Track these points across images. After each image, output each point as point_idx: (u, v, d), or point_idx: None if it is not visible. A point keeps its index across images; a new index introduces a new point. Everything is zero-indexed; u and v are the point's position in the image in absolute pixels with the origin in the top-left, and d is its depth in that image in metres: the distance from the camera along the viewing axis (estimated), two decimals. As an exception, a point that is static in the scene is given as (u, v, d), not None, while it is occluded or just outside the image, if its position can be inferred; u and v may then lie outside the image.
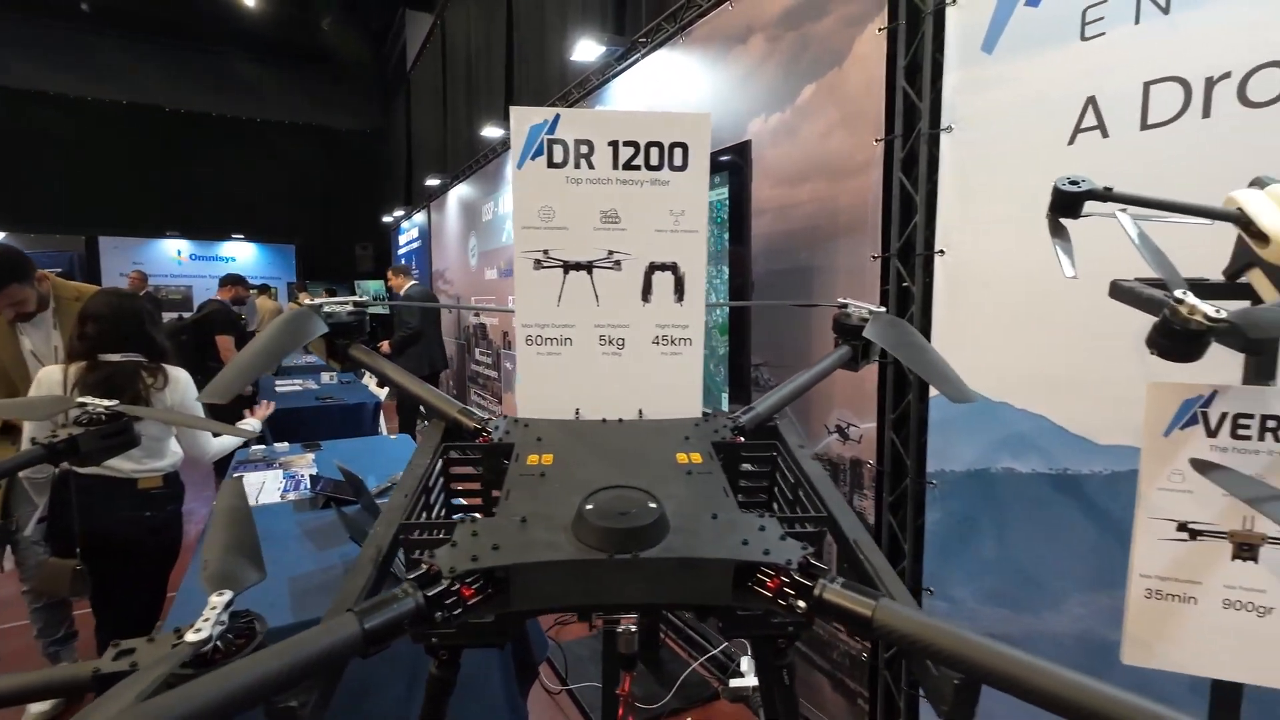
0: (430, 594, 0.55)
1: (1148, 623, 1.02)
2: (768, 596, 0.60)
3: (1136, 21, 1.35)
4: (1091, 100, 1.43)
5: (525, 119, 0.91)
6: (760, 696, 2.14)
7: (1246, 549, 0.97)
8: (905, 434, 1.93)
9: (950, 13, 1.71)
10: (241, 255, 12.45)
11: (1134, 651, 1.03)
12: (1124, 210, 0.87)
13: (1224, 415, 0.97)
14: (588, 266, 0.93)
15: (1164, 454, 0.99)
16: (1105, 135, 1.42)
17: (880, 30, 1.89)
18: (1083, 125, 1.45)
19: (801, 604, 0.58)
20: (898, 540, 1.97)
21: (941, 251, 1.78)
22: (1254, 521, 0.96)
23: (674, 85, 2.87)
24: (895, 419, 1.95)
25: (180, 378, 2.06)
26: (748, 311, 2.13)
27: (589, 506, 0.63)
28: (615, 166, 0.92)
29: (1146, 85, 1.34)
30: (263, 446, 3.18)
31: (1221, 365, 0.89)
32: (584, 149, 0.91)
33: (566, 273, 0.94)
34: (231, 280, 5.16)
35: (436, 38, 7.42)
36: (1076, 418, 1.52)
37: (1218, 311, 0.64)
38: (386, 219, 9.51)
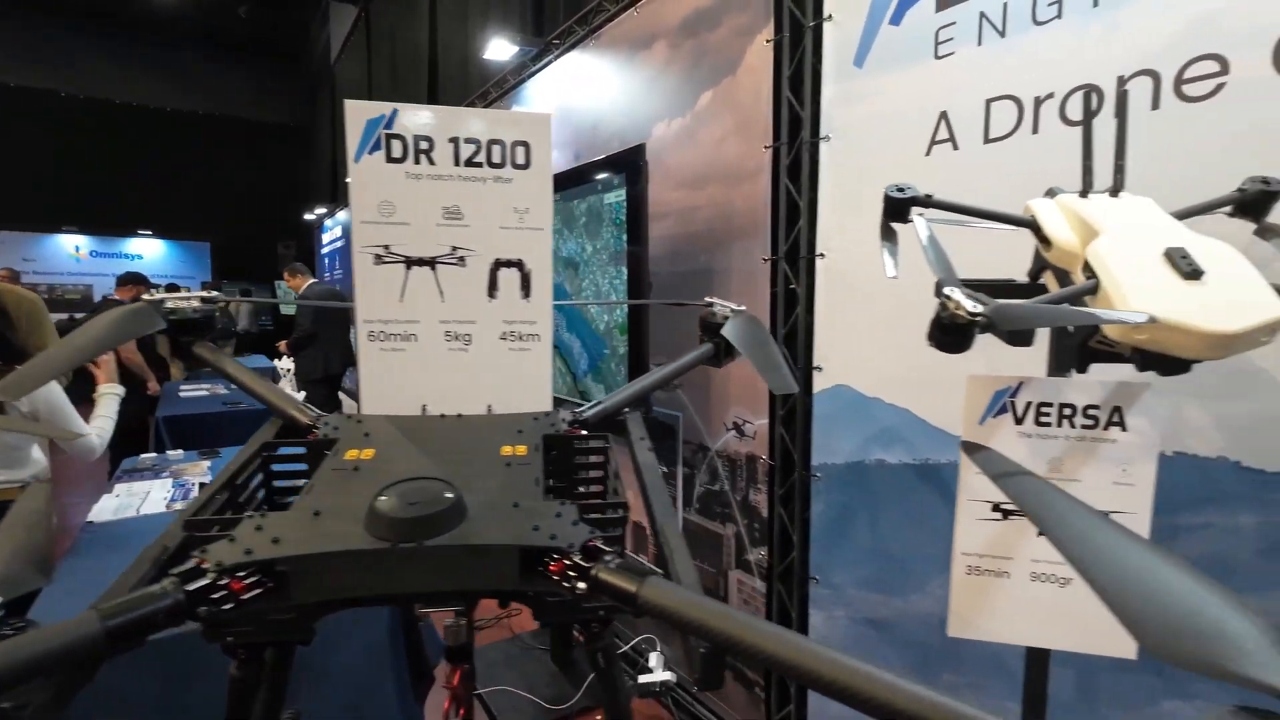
0: (191, 589, 0.54)
1: (968, 598, 1.10)
2: (552, 579, 0.62)
3: (979, 44, 1.46)
4: (944, 115, 1.54)
5: (361, 113, 0.91)
6: (662, 690, 2.17)
7: (1049, 526, 1.06)
8: (794, 429, 2.01)
9: (827, 28, 1.80)
10: (149, 253, 11.69)
11: (957, 625, 1.12)
12: (921, 215, 0.94)
13: (1029, 404, 1.06)
14: (431, 262, 0.94)
15: (980, 440, 1.08)
16: (955, 148, 1.52)
17: (768, 41, 1.97)
18: (937, 138, 1.56)
19: (581, 585, 0.60)
20: (788, 532, 2.05)
21: (822, 255, 1.87)
22: (1055, 501, 1.06)
23: (585, 87, 2.89)
24: (785, 415, 2.03)
25: None
26: (646, 311, 2.17)
27: (382, 498, 0.63)
28: (457, 163, 0.93)
29: (988, 102, 1.45)
30: (153, 455, 3.01)
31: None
32: (424, 145, 0.91)
33: (409, 268, 0.94)
34: (131, 279, 4.84)
35: (361, 30, 7.20)
36: (936, 411, 1.62)
37: (976, 307, 0.71)
38: (309, 216, 9.13)
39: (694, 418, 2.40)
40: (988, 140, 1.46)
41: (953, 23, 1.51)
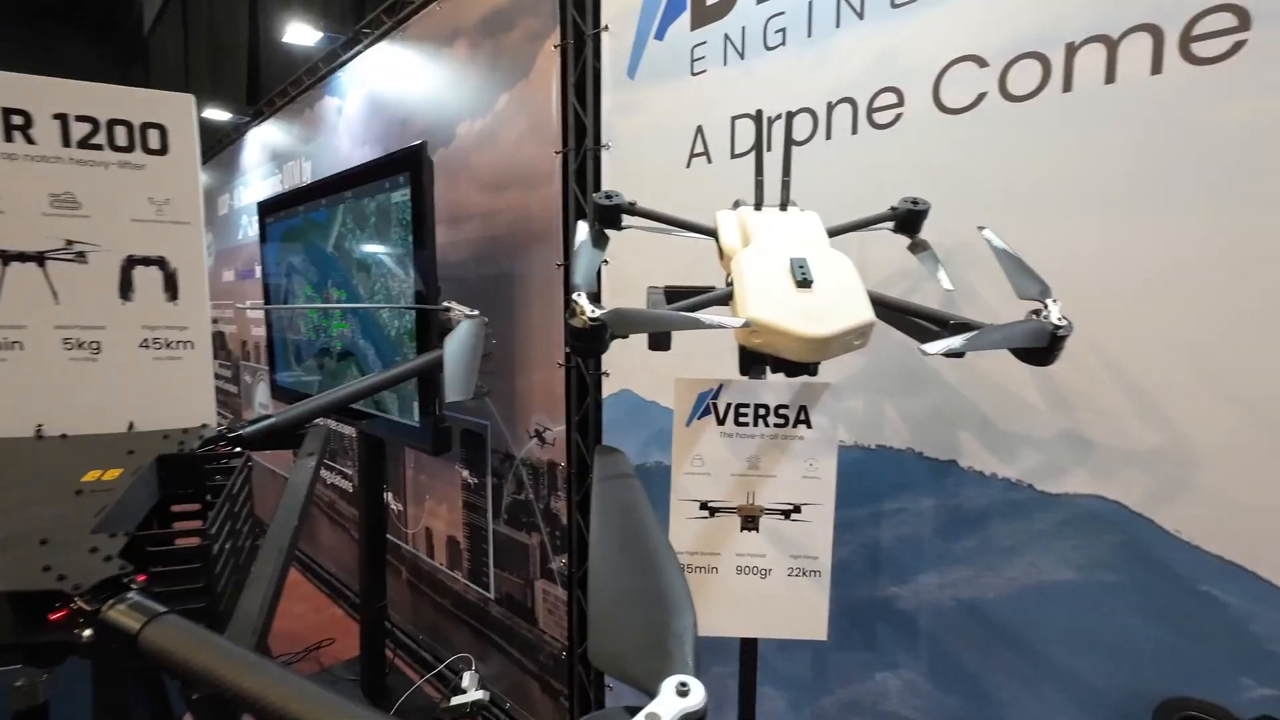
0: None
1: (683, 594, 1.14)
2: (57, 626, 0.54)
3: (725, 63, 1.54)
4: (700, 129, 1.61)
5: (-69, 78, 0.76)
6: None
7: (750, 521, 1.12)
8: (588, 435, 2.01)
9: (605, 37, 1.82)
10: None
11: (674, 622, 1.15)
12: (582, 222, 0.96)
13: (729, 405, 1.11)
14: (37, 258, 0.81)
15: (687, 442, 1.12)
16: (710, 161, 1.60)
17: (555, 47, 1.96)
18: (695, 151, 1.62)
19: (88, 631, 0.52)
20: (585, 538, 2.04)
21: (606, 261, 1.88)
22: (755, 496, 1.12)
23: (397, 80, 2.75)
24: (579, 420, 2.03)
25: None
26: (435, 316, 2.08)
27: None
28: (67, 144, 0.80)
29: (733, 119, 1.53)
30: None
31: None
32: (17, 120, 0.78)
33: (6, 264, 0.80)
34: None
35: (177, 3, 6.44)
36: (702, 413, 1.69)
37: (595, 311, 0.72)
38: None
39: (500, 426, 2.34)
40: (734, 155, 1.54)
41: (704, 41, 1.58)
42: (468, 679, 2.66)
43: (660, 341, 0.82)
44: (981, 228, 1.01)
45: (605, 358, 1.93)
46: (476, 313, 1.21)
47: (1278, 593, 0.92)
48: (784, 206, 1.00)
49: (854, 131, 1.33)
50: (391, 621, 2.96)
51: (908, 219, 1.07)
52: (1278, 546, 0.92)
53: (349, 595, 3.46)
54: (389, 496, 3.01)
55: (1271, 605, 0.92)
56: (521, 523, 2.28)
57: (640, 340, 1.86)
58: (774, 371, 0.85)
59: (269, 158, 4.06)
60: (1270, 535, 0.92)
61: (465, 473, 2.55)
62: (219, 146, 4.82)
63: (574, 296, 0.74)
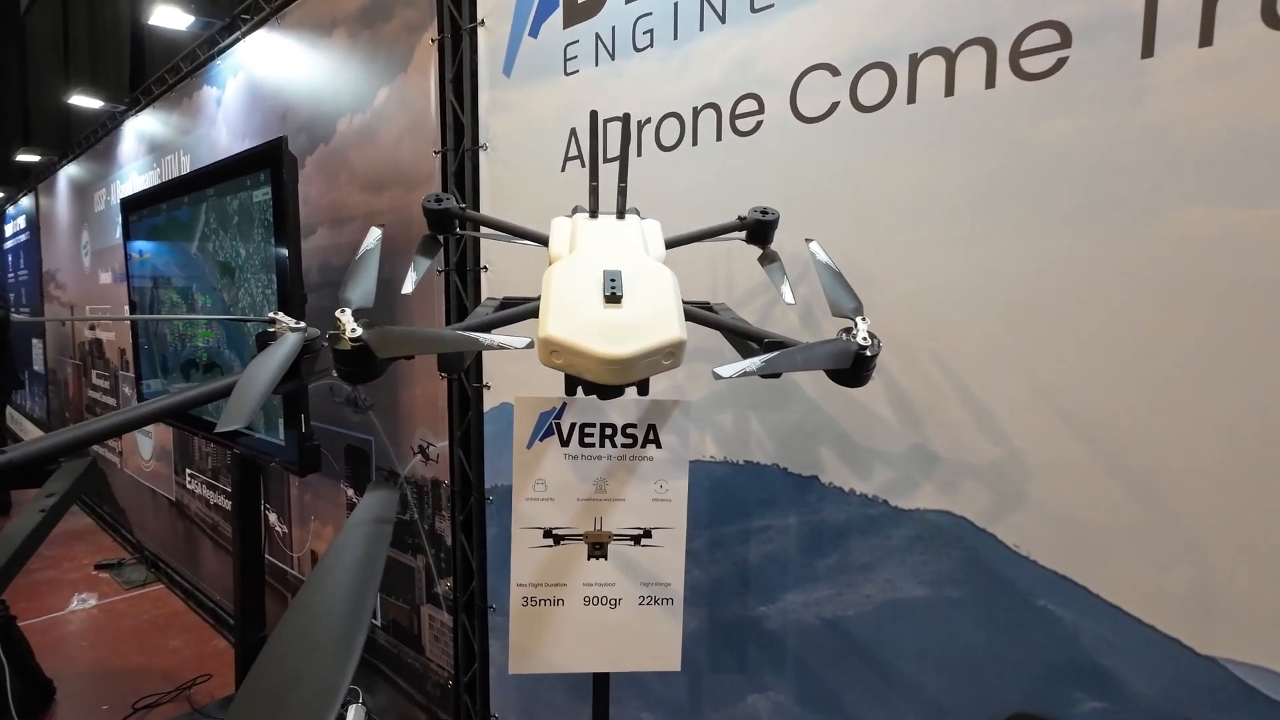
0: None
1: (527, 629, 1.06)
2: None
3: (596, 64, 1.48)
4: (574, 132, 1.54)
5: None
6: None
7: (598, 548, 1.05)
8: (470, 450, 1.90)
9: (480, 32, 1.73)
10: None
11: (519, 661, 1.07)
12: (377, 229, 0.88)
13: (573, 425, 1.04)
14: None
15: (528, 465, 1.04)
16: (583, 165, 1.53)
17: (433, 41, 1.85)
18: (569, 154, 1.55)
19: None
20: (469, 559, 1.93)
21: (485, 268, 1.79)
22: (602, 522, 1.05)
23: (276, 71, 2.56)
24: (462, 435, 1.92)
25: None
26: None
27: None
28: None
29: (605, 123, 1.47)
30: None
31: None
32: None
33: None
34: None
35: (53, -22, 5.90)
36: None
37: (357, 330, 0.63)
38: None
39: (384, 441, 2.19)
40: (607, 160, 1.48)
41: (577, 40, 1.51)
42: (353, 713, 2.49)
43: (450, 364, 0.74)
44: (809, 240, 0.98)
45: (487, 370, 1.83)
46: (304, 325, 1.09)
47: (1102, 606, 0.92)
48: (620, 214, 0.94)
49: (718, 138, 1.29)
50: (274, 653, 2.74)
51: (757, 229, 1.03)
52: (1102, 561, 0.92)
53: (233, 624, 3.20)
54: (273, 518, 2.79)
55: (1097, 619, 0.93)
56: (407, 544, 2.15)
57: (522, 353, 1.79)
58: (585, 394, 0.79)
59: (147, 149, 3.73)
60: (1096, 549, 0.93)
61: (350, 491, 2.38)
62: (94, 137, 4.41)
63: (337, 313, 0.65)
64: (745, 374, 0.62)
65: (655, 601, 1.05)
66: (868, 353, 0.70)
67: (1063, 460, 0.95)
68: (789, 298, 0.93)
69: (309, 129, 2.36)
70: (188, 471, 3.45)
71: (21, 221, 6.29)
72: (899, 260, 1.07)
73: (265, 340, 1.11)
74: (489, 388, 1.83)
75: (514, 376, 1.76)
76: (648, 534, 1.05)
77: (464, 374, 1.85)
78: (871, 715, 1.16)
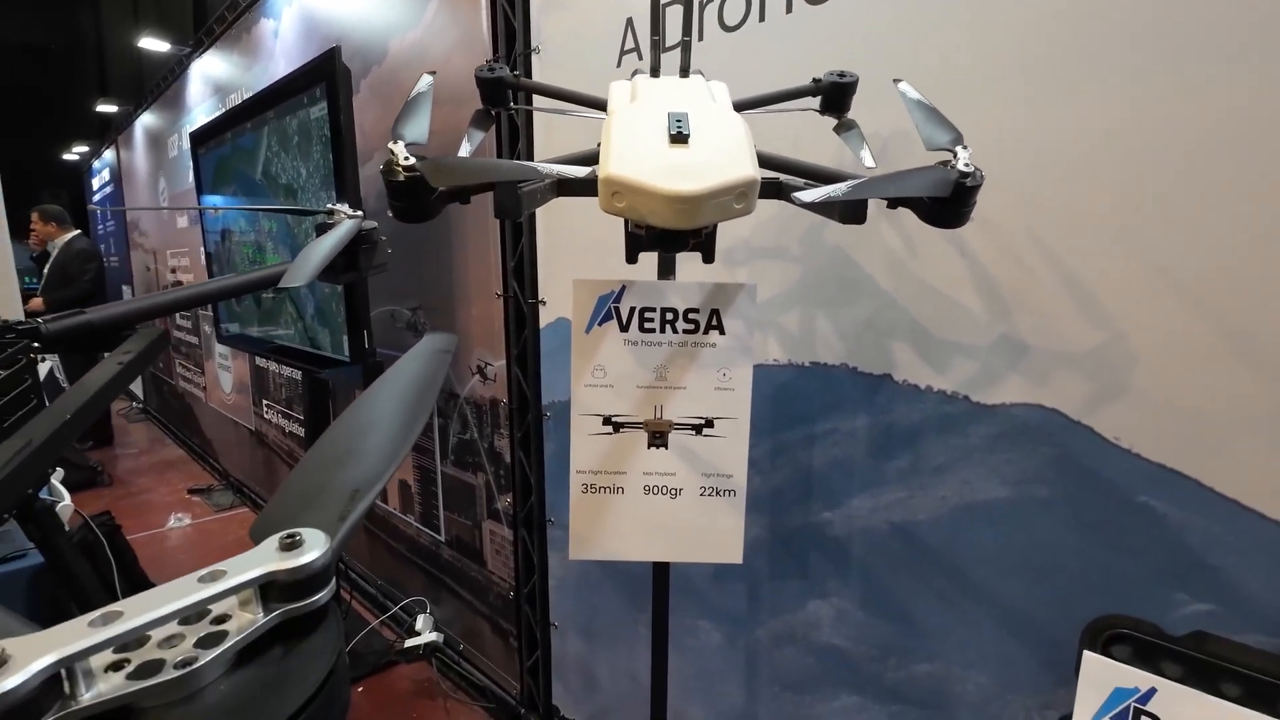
0: None
1: (586, 517, 1.05)
2: None
3: (654, -57, 1.37)
4: (629, 22, 1.45)
5: None
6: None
7: (658, 437, 1.02)
8: (527, 368, 1.91)
9: (530, -75, 1.64)
10: None
11: (579, 547, 1.06)
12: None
13: (633, 309, 1.00)
14: None
15: (587, 351, 1.01)
16: (640, 58, 1.45)
17: (481, -60, 1.78)
18: (626, 47, 1.47)
19: None
20: (527, 475, 1.96)
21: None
22: (663, 410, 1.02)
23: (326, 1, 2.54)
24: (519, 354, 1.92)
25: None
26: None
27: None
28: None
29: (664, 7, 1.38)
30: None
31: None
32: None
33: None
34: None
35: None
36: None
37: (409, 159, 0.60)
38: (69, 157, 7.63)
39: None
40: (666, 49, 1.39)
41: (632, -80, 1.41)
42: (421, 622, 2.63)
43: (507, 206, 0.70)
44: (897, 80, 0.88)
45: (542, 287, 1.82)
46: (361, 213, 1.09)
47: (1217, 500, 0.83)
48: (684, 72, 0.87)
49: (788, 9, 1.18)
50: (348, 566, 2.91)
51: (833, 93, 0.94)
52: (1220, 453, 0.83)
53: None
54: (342, 442, 2.92)
55: (1209, 514, 0.84)
56: (468, 463, 2.20)
57: (574, 263, 1.75)
58: (649, 249, 0.74)
59: (212, 91, 3.82)
60: (1213, 441, 0.83)
61: None
62: (165, 83, 4.55)
63: (390, 144, 0.62)
64: (829, 199, 0.55)
65: (717, 493, 1.03)
66: (968, 182, 0.62)
67: (1178, 344, 0.84)
68: (869, 161, 0.85)
69: (361, 54, 2.33)
70: (264, 402, 3.64)
71: (106, 174, 6.64)
72: (988, 131, 0.96)
73: (325, 229, 1.12)
74: (544, 304, 1.81)
75: (570, 291, 1.74)
76: (709, 424, 1.01)
77: (519, 290, 1.84)
78: (941, 621, 1.11)
